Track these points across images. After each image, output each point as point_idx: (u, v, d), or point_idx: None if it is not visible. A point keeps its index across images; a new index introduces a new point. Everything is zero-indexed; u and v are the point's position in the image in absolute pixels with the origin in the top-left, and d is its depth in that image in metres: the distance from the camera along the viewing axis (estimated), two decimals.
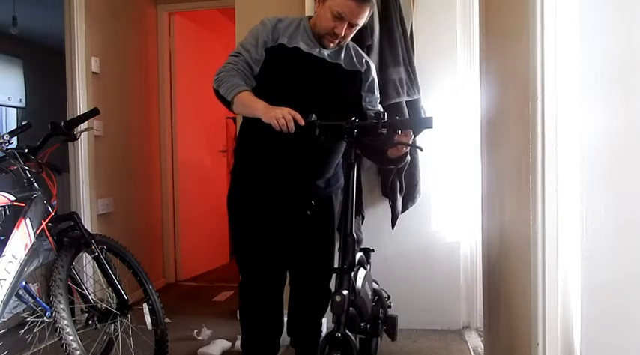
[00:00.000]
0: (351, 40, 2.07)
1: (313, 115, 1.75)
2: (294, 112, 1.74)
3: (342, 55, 2.03)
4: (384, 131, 1.71)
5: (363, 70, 2.06)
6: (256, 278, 2.07)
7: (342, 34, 1.92)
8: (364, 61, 2.09)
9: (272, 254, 2.05)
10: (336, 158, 2.05)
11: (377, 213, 2.84)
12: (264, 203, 2.02)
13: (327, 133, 1.79)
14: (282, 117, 1.73)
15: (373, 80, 2.11)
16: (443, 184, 2.89)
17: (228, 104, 1.91)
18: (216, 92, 1.95)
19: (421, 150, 1.95)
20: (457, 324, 2.92)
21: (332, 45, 1.97)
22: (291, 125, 1.72)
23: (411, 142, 1.85)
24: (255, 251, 2.05)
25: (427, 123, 1.77)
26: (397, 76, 2.64)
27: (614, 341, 1.20)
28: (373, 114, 2.03)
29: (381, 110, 2.11)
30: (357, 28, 1.95)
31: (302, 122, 1.73)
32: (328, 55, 2.00)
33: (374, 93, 2.12)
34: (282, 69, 1.96)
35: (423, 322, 2.90)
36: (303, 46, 1.97)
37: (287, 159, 1.96)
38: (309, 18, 2.04)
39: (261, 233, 2.03)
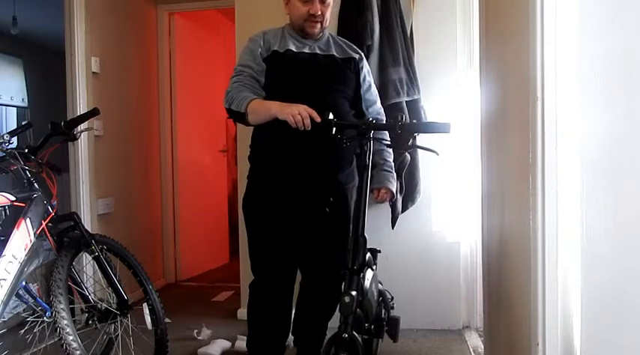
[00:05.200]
0: (351, 41, 2.13)
1: (330, 114, 1.75)
2: (310, 109, 1.76)
3: (333, 47, 2.10)
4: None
5: (357, 58, 2.12)
6: (269, 279, 2.06)
7: (319, 12, 1.98)
8: (354, 50, 2.15)
9: (287, 254, 2.04)
10: (351, 151, 2.05)
11: (377, 213, 2.83)
12: (282, 204, 2.02)
13: (344, 133, 1.79)
14: (298, 113, 1.74)
15: (367, 73, 2.16)
16: (443, 184, 2.89)
17: (242, 117, 1.94)
18: (229, 111, 1.98)
19: (437, 154, 1.91)
20: (457, 324, 2.92)
21: (316, 30, 2.03)
22: (307, 122, 1.74)
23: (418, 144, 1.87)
24: (272, 252, 2.04)
25: (445, 129, 1.76)
26: (397, 76, 2.64)
27: (614, 341, 1.20)
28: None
29: (380, 113, 2.19)
30: (329, 3, 2.02)
31: (318, 119, 1.75)
32: (319, 48, 2.07)
33: (371, 90, 2.18)
34: (282, 72, 2.01)
35: (423, 322, 2.90)
36: (293, 47, 2.04)
37: (305, 155, 1.96)
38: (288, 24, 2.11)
39: (278, 234, 2.02)
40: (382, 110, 2.22)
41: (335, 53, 2.08)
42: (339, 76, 2.06)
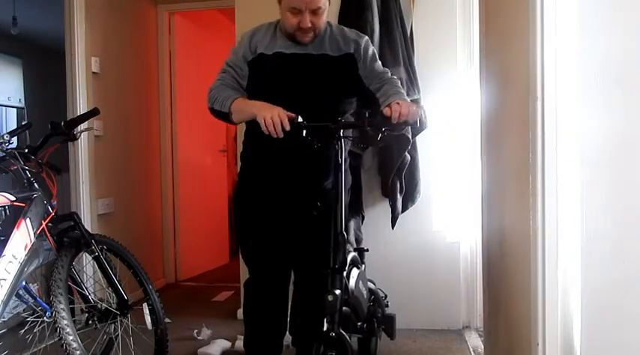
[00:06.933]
0: None
1: (299, 117, 1.75)
2: (283, 115, 1.73)
3: (327, 44, 2.00)
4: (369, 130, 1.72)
5: (352, 51, 2.00)
6: (263, 276, 2.07)
7: (309, 25, 1.89)
8: (352, 40, 2.01)
9: (278, 252, 2.05)
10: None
11: (377, 213, 2.84)
12: (271, 203, 2.03)
13: (315, 135, 1.79)
14: (270, 118, 1.73)
15: (367, 56, 2.01)
16: (443, 184, 2.89)
17: (226, 117, 1.94)
18: (212, 110, 1.99)
19: (409, 142, 1.93)
20: (457, 324, 2.92)
21: (307, 39, 1.95)
22: (279, 129, 1.73)
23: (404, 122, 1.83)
24: (262, 249, 2.05)
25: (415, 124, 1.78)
26: (397, 76, 2.63)
27: (614, 341, 1.20)
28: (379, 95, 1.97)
29: (393, 79, 2.04)
30: (323, 11, 1.90)
31: (288, 127, 1.73)
32: (313, 47, 1.98)
33: (373, 70, 2.02)
34: (269, 76, 1.97)
35: (423, 322, 2.90)
36: (284, 49, 1.97)
37: (283, 156, 1.97)
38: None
39: (267, 232, 2.03)
40: (389, 76, 2.06)
41: (329, 52, 1.99)
42: (330, 76, 1.99)
